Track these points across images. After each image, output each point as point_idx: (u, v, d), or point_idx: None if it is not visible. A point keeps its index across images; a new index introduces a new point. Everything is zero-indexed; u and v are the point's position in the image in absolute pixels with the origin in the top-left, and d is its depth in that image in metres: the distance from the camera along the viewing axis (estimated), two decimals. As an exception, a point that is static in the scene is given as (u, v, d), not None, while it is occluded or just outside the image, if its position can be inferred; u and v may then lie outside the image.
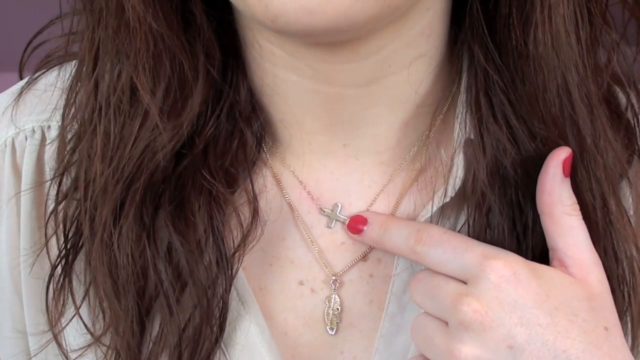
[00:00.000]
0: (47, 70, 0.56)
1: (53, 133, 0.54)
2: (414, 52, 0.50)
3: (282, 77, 0.50)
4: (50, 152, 0.54)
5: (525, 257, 0.48)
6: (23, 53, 0.56)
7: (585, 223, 0.49)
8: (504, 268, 0.46)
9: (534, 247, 0.50)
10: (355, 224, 0.52)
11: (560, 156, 0.48)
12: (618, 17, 0.54)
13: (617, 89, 0.55)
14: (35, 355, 0.54)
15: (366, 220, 0.52)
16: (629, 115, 0.54)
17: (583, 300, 0.46)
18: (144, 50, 0.47)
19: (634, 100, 0.54)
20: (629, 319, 0.52)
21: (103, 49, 0.49)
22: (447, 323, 0.47)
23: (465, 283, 0.47)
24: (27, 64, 0.58)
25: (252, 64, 0.52)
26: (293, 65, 0.49)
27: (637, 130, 0.54)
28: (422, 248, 0.48)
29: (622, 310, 0.51)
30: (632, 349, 0.53)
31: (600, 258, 0.49)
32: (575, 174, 0.50)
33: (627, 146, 0.54)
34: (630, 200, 0.54)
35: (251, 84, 0.52)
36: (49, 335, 0.52)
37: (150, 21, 0.46)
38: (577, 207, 0.49)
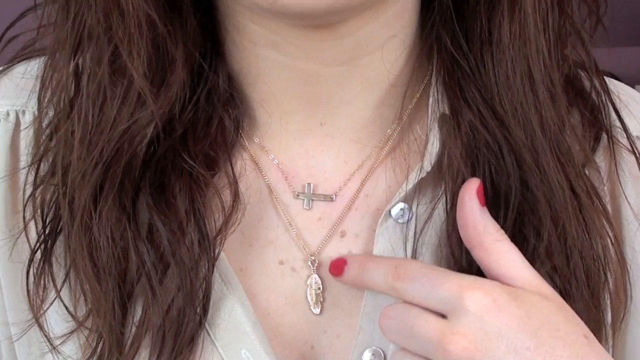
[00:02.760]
0: (25, 59, 0.56)
1: (28, 118, 0.55)
2: (387, 32, 0.52)
3: (262, 55, 0.52)
4: (25, 136, 0.54)
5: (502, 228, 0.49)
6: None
7: (557, 208, 0.51)
8: (483, 297, 0.46)
9: (508, 219, 0.51)
10: (336, 267, 0.53)
11: (472, 188, 0.50)
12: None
13: (580, 72, 0.57)
14: (17, 339, 0.53)
15: (345, 261, 0.52)
16: (594, 96, 0.56)
17: (558, 313, 0.47)
18: (136, 34, 0.48)
19: (596, 82, 0.56)
20: (607, 297, 0.54)
21: (88, 34, 0.50)
22: None
23: (444, 316, 0.47)
24: (1, 57, 0.58)
25: (232, 48, 0.53)
26: (274, 43, 0.51)
27: (603, 108, 0.56)
28: (401, 284, 0.48)
29: (600, 289, 0.53)
30: (614, 325, 0.54)
31: (575, 242, 0.51)
32: (540, 160, 0.51)
33: (593, 124, 0.55)
34: (602, 178, 0.56)
35: (230, 69, 0.54)
36: (31, 323, 0.52)
37: (144, 6, 0.48)
38: (502, 231, 0.49)
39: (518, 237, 0.51)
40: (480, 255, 0.49)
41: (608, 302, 0.54)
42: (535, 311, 0.46)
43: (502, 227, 0.50)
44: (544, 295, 0.48)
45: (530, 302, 0.47)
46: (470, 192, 0.49)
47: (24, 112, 0.55)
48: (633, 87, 0.60)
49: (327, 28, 0.49)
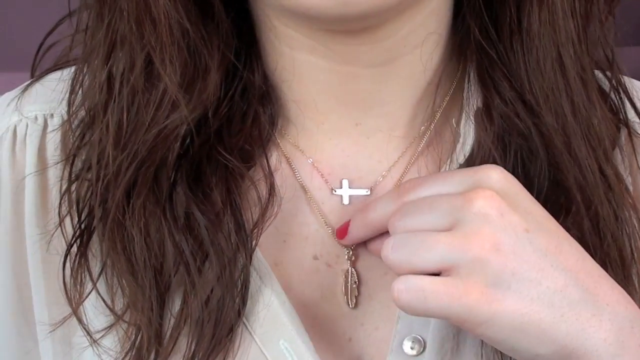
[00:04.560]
0: (58, 68, 0.58)
1: (56, 121, 0.56)
2: (425, 31, 0.53)
3: (298, 58, 0.53)
4: (52, 139, 0.55)
5: None
6: (36, 54, 0.58)
7: (588, 191, 0.52)
8: (498, 167, 0.48)
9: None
10: (341, 231, 0.53)
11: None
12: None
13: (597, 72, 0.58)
14: (53, 330, 0.53)
15: (349, 221, 0.53)
16: (613, 94, 0.57)
17: None
18: (168, 42, 0.49)
19: (614, 80, 0.57)
20: (635, 277, 0.54)
21: (121, 40, 0.51)
22: (448, 230, 0.46)
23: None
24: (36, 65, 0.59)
25: (268, 47, 0.54)
26: (310, 47, 0.52)
27: (621, 104, 0.57)
28: (409, 193, 0.49)
29: (629, 265, 0.53)
30: None
31: (607, 223, 0.52)
32: (571, 144, 0.52)
33: (612, 120, 0.56)
34: (623, 166, 0.57)
35: (265, 68, 0.55)
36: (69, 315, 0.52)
37: (175, 14, 0.49)
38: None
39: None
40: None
41: (637, 283, 0.54)
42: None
43: None
44: None
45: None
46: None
47: (52, 115, 0.56)
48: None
49: (365, 32, 0.50)
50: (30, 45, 0.59)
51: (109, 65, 0.52)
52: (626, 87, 0.57)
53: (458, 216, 0.46)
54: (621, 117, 0.57)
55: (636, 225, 0.54)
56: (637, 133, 0.57)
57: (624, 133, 0.57)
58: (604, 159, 0.53)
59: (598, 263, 0.51)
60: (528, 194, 0.48)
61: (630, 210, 0.54)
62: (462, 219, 0.46)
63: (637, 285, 0.54)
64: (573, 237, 0.49)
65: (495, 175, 0.47)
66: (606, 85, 0.57)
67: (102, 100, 0.52)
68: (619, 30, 0.57)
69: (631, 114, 0.58)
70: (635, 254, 0.54)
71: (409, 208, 0.48)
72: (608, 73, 0.57)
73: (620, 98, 0.57)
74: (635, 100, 0.58)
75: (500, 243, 0.45)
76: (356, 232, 0.53)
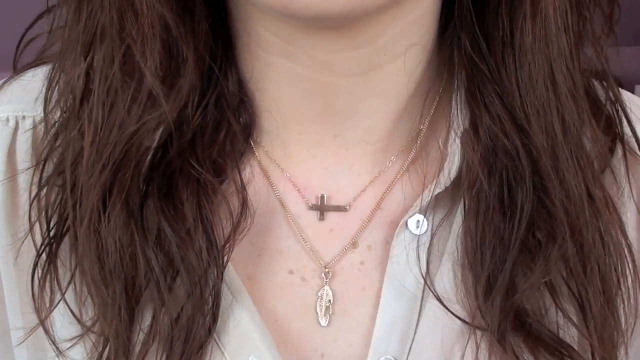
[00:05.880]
0: (37, 65, 0.57)
1: (27, 123, 0.55)
2: (407, 41, 0.51)
3: (276, 65, 0.51)
4: (23, 141, 0.54)
5: (512, 236, 0.49)
6: (16, 49, 0.57)
7: (574, 214, 0.50)
8: None
9: (521, 224, 0.51)
10: None
11: None
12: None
13: (593, 82, 0.56)
14: (20, 343, 0.53)
15: None
16: (608, 106, 0.55)
17: None
18: (150, 34, 0.48)
19: (610, 92, 0.55)
20: (621, 303, 0.53)
21: (100, 34, 0.50)
22: None
23: None
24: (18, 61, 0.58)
25: (245, 53, 0.52)
26: (289, 53, 0.50)
27: (617, 118, 0.55)
28: None
29: (613, 295, 0.52)
30: (629, 331, 0.54)
31: (591, 247, 0.50)
32: (559, 165, 0.50)
33: (607, 133, 0.54)
34: (614, 188, 0.55)
35: (241, 75, 0.53)
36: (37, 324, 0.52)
37: (158, 6, 0.48)
38: None
39: (531, 242, 0.51)
40: None
41: (621, 308, 0.53)
42: None
43: (514, 232, 0.50)
44: None
45: None
46: None
47: (23, 117, 0.55)
48: (633, 87, 0.58)
49: (343, 37, 0.49)
50: (13, 43, 0.57)
51: (87, 59, 0.51)
52: (622, 100, 0.55)
53: None
54: (617, 131, 0.55)
55: (625, 250, 0.53)
56: (632, 151, 0.55)
57: (619, 151, 0.55)
58: (592, 180, 0.52)
59: (579, 288, 0.50)
60: None
61: (619, 233, 0.53)
62: None
63: (621, 312, 0.53)
64: (556, 269, 0.49)
65: None
66: (603, 97, 0.55)
67: (79, 96, 0.51)
68: (619, 30, 0.55)
69: (628, 131, 0.55)
70: (622, 280, 0.53)
71: None
72: (607, 87, 0.55)
73: (617, 111, 0.55)
74: (631, 116, 0.55)
75: None
76: None
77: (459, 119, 0.53)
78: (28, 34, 0.57)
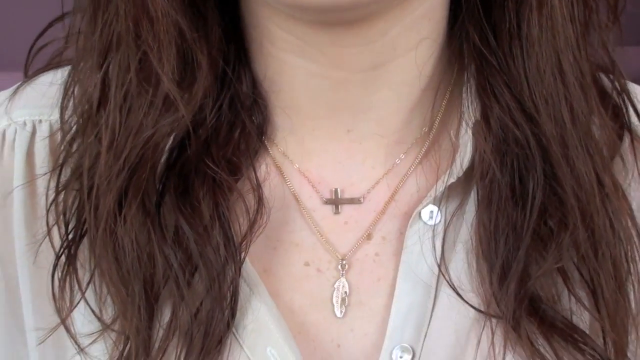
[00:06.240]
0: (52, 69, 0.58)
1: (44, 127, 0.56)
2: (417, 35, 0.52)
3: (290, 62, 0.52)
4: (42, 146, 0.55)
5: (524, 224, 0.50)
6: (28, 54, 0.58)
7: (584, 200, 0.51)
8: None
9: (533, 212, 0.51)
10: None
11: None
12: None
13: (600, 75, 0.57)
14: (42, 342, 0.54)
15: None
16: (615, 96, 0.56)
17: None
18: (165, 40, 0.49)
19: (617, 84, 0.56)
20: (631, 288, 0.54)
21: (116, 41, 0.51)
22: None
23: None
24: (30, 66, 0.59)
25: (258, 54, 0.54)
26: (302, 50, 0.51)
27: (624, 107, 0.56)
28: None
29: (623, 278, 0.53)
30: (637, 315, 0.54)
31: (602, 233, 0.51)
32: (569, 152, 0.51)
33: (614, 121, 0.55)
34: (623, 174, 0.56)
35: (254, 76, 0.54)
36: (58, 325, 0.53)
37: (172, 13, 0.49)
38: None
39: (543, 229, 0.52)
40: None
41: (632, 293, 0.54)
42: None
43: (526, 220, 0.51)
44: None
45: None
46: None
47: (40, 121, 0.56)
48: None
49: (353, 32, 0.50)
50: (27, 45, 0.58)
51: (103, 67, 0.52)
52: (628, 90, 0.56)
53: None
54: (624, 120, 0.56)
55: (634, 235, 0.54)
56: None
57: (627, 139, 0.56)
58: (602, 167, 0.53)
59: (591, 274, 0.51)
60: None
61: (628, 219, 0.53)
62: None
63: (632, 297, 0.54)
64: (568, 255, 0.49)
65: None
66: (609, 88, 0.56)
67: (96, 102, 0.52)
68: (624, 30, 0.56)
69: (635, 120, 0.56)
70: (632, 265, 0.53)
71: None
72: (611, 75, 0.56)
73: (623, 100, 0.56)
74: (638, 106, 0.56)
75: None
76: None
77: (469, 111, 0.54)
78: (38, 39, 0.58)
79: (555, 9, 0.50)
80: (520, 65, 0.51)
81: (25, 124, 0.56)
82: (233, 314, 0.51)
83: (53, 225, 0.53)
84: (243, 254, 0.51)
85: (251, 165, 0.53)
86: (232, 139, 0.53)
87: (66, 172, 0.54)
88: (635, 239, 0.54)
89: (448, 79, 0.55)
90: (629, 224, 0.53)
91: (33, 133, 0.56)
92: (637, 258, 0.54)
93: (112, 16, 0.51)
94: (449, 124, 0.55)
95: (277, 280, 0.54)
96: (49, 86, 0.56)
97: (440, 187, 0.53)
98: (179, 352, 0.51)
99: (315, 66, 0.52)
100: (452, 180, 0.53)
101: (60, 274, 0.53)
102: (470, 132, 0.53)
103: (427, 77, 0.54)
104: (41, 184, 0.55)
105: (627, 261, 0.53)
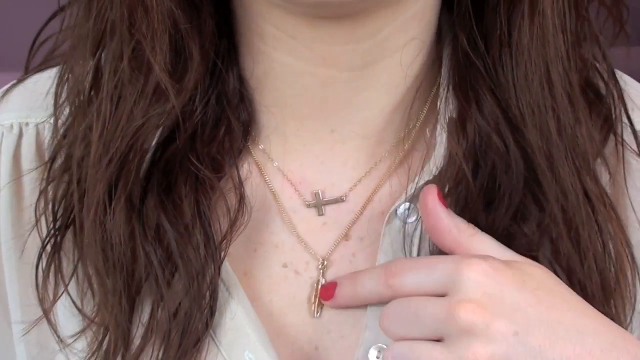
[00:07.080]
0: (45, 67, 0.59)
1: (31, 129, 0.57)
2: (406, 35, 0.52)
3: (278, 60, 0.53)
4: (27, 147, 0.56)
5: (494, 229, 0.50)
6: (30, 50, 0.59)
7: (570, 212, 0.51)
8: (480, 263, 0.47)
9: (501, 220, 0.51)
10: (327, 291, 0.53)
11: (433, 194, 0.50)
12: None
13: (596, 74, 0.56)
14: (25, 334, 0.55)
15: (335, 283, 0.53)
16: (608, 99, 0.55)
17: (549, 277, 0.48)
18: (159, 29, 0.50)
19: (612, 87, 0.56)
20: (619, 298, 0.53)
21: (110, 30, 0.51)
22: (439, 340, 0.46)
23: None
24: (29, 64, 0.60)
25: (246, 51, 0.54)
26: (292, 48, 0.52)
27: (614, 114, 0.55)
28: (395, 280, 0.49)
29: (611, 289, 0.52)
30: (629, 327, 0.54)
31: (588, 244, 0.51)
32: (554, 163, 0.51)
33: (605, 121, 0.55)
34: (608, 177, 0.55)
35: (241, 73, 0.55)
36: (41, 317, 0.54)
37: (167, 2, 0.50)
38: (471, 224, 0.50)
39: (519, 235, 0.51)
40: (461, 253, 0.49)
41: (620, 303, 0.53)
42: (528, 275, 0.47)
43: (498, 223, 0.51)
44: (532, 264, 0.49)
45: (521, 269, 0.48)
46: (433, 199, 0.50)
47: (27, 124, 0.57)
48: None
49: (345, 30, 0.50)
50: (27, 45, 0.59)
51: (97, 55, 0.53)
52: (622, 92, 0.56)
53: (444, 331, 0.46)
54: (612, 123, 0.55)
55: (624, 247, 0.53)
56: (627, 143, 0.56)
57: (611, 144, 0.55)
58: (588, 179, 0.52)
59: (581, 286, 0.51)
60: (510, 275, 0.47)
61: (617, 229, 0.53)
62: (449, 334, 0.46)
63: (622, 306, 0.53)
64: (554, 269, 0.49)
65: (475, 277, 0.46)
66: (604, 89, 0.56)
67: (88, 90, 0.53)
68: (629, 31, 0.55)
69: (626, 120, 0.56)
70: (620, 277, 0.53)
71: (396, 312, 0.48)
72: (605, 74, 0.55)
73: (616, 104, 0.55)
74: (628, 102, 0.56)
75: (492, 356, 0.45)
76: (343, 302, 0.53)
77: (446, 111, 0.53)
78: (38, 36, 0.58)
79: (547, 18, 0.50)
80: (508, 72, 0.51)
81: (12, 126, 0.57)
82: (212, 314, 0.51)
83: (41, 215, 0.54)
84: (223, 253, 0.51)
85: (234, 164, 0.54)
86: (217, 136, 0.54)
87: (56, 164, 0.54)
88: (625, 249, 0.53)
89: (432, 81, 0.55)
90: (618, 234, 0.53)
91: (20, 136, 0.57)
92: (627, 272, 0.53)
93: (107, 4, 0.51)
94: (428, 124, 0.55)
95: (257, 282, 0.54)
96: (35, 83, 0.57)
97: (415, 186, 0.53)
98: (157, 351, 0.51)
99: (304, 64, 0.52)
100: (426, 178, 0.53)
101: (44, 264, 0.53)
102: (445, 130, 0.53)
103: (413, 78, 0.54)
104: (28, 183, 0.56)
105: (615, 273, 0.52)
